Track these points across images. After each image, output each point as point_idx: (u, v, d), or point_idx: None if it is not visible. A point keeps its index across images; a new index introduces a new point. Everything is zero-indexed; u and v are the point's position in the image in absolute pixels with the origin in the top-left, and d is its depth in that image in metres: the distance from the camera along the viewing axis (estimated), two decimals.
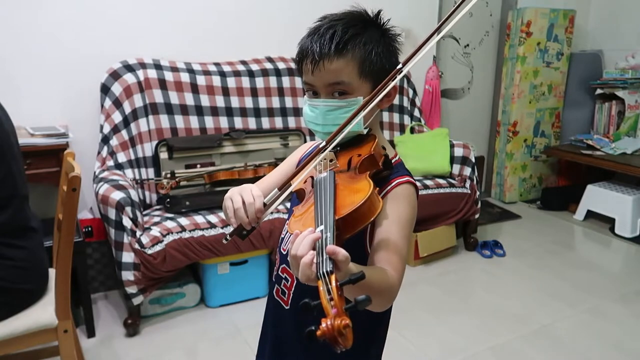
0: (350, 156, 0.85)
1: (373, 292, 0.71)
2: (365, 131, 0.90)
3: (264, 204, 0.82)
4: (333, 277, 0.58)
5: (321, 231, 0.65)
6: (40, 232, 1.58)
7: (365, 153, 0.83)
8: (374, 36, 0.87)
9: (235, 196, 0.84)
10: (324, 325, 0.53)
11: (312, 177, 0.82)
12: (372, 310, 0.76)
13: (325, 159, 0.83)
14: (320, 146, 0.84)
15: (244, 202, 0.83)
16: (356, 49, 0.85)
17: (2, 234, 1.44)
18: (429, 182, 2.89)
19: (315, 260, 0.61)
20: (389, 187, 0.87)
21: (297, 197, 0.85)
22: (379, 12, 0.91)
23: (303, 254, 0.63)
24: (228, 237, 0.85)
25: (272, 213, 0.89)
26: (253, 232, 0.89)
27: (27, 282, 1.50)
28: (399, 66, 0.82)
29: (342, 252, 0.61)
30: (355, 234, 0.71)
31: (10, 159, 1.45)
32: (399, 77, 0.82)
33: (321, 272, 0.59)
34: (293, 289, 0.96)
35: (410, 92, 3.39)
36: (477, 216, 3.08)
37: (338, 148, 0.89)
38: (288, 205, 1.13)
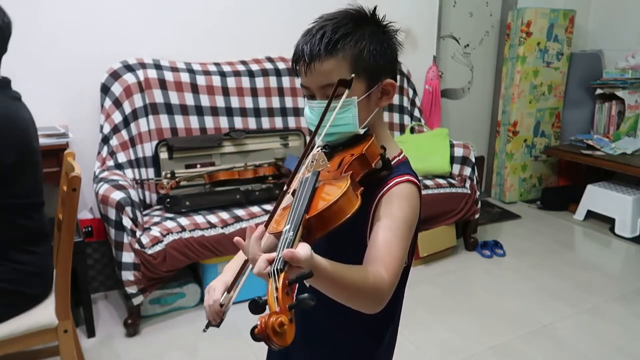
0: (343, 157, 0.84)
1: (349, 291, 0.71)
2: (362, 131, 0.89)
3: (221, 305, 0.89)
4: (282, 276, 0.58)
5: (286, 230, 0.66)
6: (50, 238, 1.57)
7: (357, 153, 0.82)
8: (366, 34, 0.85)
9: (206, 294, 0.93)
10: (259, 322, 0.52)
11: None
12: (362, 310, 0.75)
13: (315, 160, 0.83)
14: (311, 147, 0.84)
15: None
16: (347, 48, 0.83)
17: (21, 240, 1.44)
18: (429, 182, 2.89)
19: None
20: (386, 188, 0.85)
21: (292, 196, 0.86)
22: (374, 8, 0.89)
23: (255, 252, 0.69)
24: (205, 328, 0.93)
25: None
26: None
27: (32, 286, 1.49)
28: (311, 139, 0.84)
29: (296, 257, 0.60)
30: (329, 232, 0.70)
31: (36, 165, 1.45)
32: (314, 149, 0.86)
33: (272, 269, 0.59)
34: (297, 289, 0.96)
35: (410, 92, 3.38)
36: (477, 216, 3.08)
37: (341, 148, 0.89)
38: None
